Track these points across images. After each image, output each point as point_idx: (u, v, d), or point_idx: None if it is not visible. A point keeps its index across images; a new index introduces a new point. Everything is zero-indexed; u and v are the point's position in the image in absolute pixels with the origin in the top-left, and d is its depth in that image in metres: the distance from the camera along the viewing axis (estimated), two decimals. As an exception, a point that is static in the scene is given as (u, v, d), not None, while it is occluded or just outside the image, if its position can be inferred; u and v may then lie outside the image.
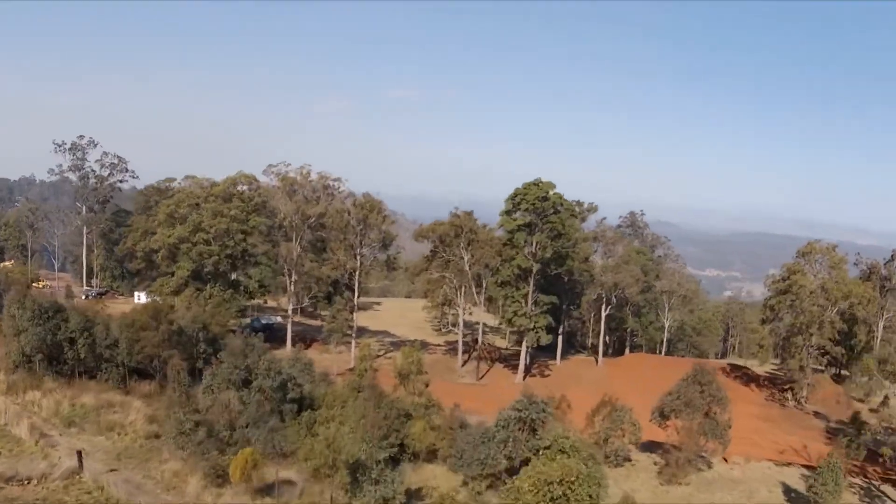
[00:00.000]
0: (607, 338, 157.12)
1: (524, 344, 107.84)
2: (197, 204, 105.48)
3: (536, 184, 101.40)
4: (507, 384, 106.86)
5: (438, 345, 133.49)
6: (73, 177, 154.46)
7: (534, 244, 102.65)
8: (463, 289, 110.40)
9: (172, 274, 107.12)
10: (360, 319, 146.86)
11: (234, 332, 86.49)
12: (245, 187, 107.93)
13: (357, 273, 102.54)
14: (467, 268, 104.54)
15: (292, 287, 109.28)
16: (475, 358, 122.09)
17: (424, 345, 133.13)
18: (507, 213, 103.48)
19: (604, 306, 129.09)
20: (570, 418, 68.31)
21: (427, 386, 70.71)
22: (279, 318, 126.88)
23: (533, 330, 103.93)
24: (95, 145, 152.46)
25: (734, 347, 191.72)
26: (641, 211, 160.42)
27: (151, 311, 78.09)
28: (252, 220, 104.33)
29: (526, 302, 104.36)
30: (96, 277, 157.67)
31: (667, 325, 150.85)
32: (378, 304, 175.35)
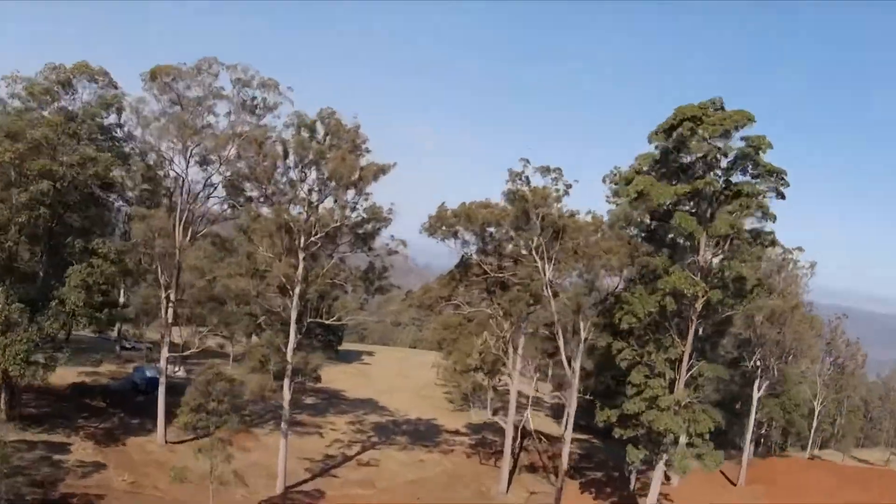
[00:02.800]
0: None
1: (659, 466, 45.55)
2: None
3: (715, 108, 41.27)
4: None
5: (459, 433, 71.53)
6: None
7: (700, 243, 41.71)
8: (521, 339, 49.56)
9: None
10: (339, 379, 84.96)
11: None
12: (86, 92, 48.28)
13: (297, 287, 41.68)
14: (547, 292, 43.29)
15: (168, 311, 48.63)
16: (524, 467, 61.34)
17: (435, 432, 71.61)
18: (639, 170, 42.84)
19: (758, 381, 67.64)
20: None
21: None
22: (179, 370, 65.94)
23: (689, 441, 42.29)
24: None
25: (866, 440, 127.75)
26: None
27: None
28: (86, 155, 44.34)
29: (676, 375, 42.73)
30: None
31: (817, 411, 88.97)
32: (369, 354, 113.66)
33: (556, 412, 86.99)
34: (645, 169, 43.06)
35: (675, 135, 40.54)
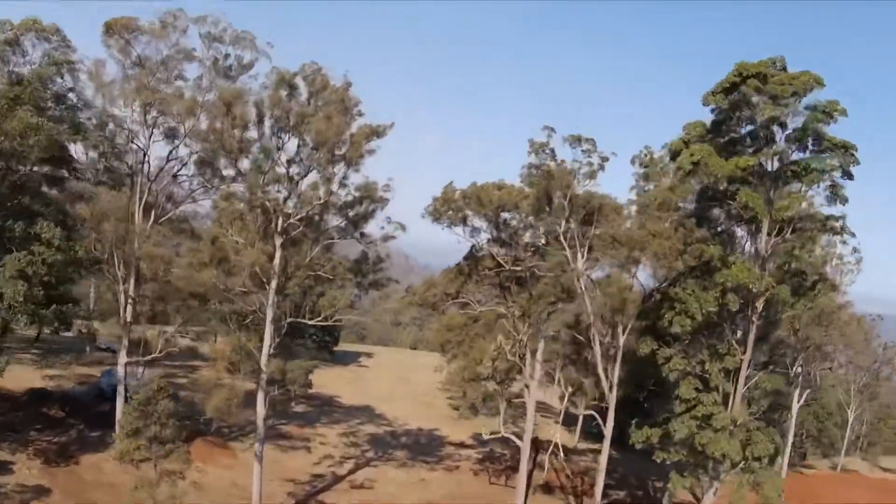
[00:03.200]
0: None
1: (708, 496, 37.82)
2: None
3: (777, 68, 33.67)
4: None
5: (464, 445, 63.95)
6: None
7: (763, 229, 34.16)
8: (540, 343, 42.04)
9: None
10: (333, 384, 76.87)
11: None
12: (36, 52, 40.78)
13: (273, 280, 34.24)
14: (580, 287, 35.76)
15: (127, 309, 41.18)
16: (539, 486, 53.60)
17: (438, 444, 63.98)
18: (687, 141, 35.28)
19: (798, 390, 60.06)
20: None
21: None
22: (144, 376, 58.20)
23: (744, 465, 34.66)
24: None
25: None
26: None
27: None
28: (27, 123, 36.62)
29: (734, 389, 35.06)
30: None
31: (851, 420, 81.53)
32: (368, 356, 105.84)
33: (567, 419, 79.37)
34: (694, 140, 35.40)
35: (733, 96, 32.84)
